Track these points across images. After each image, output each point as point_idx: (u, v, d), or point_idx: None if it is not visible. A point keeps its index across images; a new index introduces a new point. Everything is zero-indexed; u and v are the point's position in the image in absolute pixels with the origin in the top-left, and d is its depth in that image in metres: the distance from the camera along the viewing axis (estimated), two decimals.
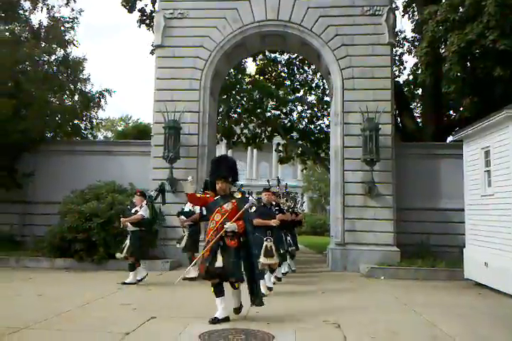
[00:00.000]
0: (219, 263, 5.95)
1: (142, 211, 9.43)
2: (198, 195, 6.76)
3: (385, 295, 8.67)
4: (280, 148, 24.29)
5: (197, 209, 10.18)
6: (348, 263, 12.11)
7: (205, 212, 10.15)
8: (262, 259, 8.07)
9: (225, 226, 6.03)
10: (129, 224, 9.36)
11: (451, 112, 18.92)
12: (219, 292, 6.12)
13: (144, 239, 9.65)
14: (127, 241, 9.36)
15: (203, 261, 6.14)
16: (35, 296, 7.82)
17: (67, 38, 16.60)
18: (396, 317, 6.68)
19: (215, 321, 5.94)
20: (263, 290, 8.23)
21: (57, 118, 15.75)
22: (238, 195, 6.44)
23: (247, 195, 10.92)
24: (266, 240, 8.24)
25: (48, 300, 7.49)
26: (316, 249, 19.36)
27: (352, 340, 5.39)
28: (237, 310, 6.33)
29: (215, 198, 6.34)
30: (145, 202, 9.58)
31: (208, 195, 6.50)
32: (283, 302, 7.70)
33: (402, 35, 20.00)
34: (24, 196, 13.92)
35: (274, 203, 9.42)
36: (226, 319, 6.07)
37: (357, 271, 11.76)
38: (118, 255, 9.38)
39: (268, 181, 11.86)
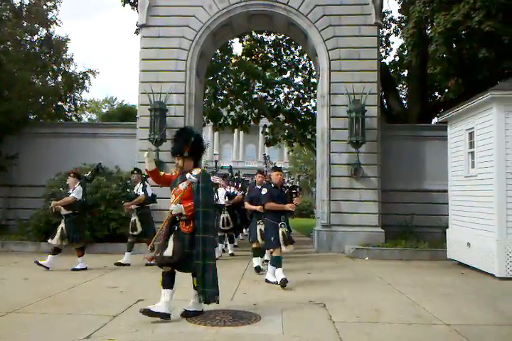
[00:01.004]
0: (168, 251, 5.24)
1: (74, 193, 8.87)
2: (162, 173, 5.87)
3: (369, 276, 8.80)
4: (267, 130, 24.25)
5: (140, 191, 9.74)
6: (333, 245, 12.24)
7: (150, 193, 9.77)
8: (283, 248, 7.47)
9: (170, 208, 5.43)
10: (61, 207, 8.82)
11: (437, 94, 19.00)
12: (167, 283, 5.36)
13: (79, 222, 9.06)
14: (61, 226, 8.84)
15: (157, 249, 5.46)
16: (21, 280, 7.81)
17: (49, 17, 16.28)
18: (380, 297, 6.80)
19: (145, 312, 5.20)
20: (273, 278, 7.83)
21: (40, 100, 15.52)
22: (196, 173, 5.52)
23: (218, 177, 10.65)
24: (280, 226, 7.53)
25: (35, 284, 7.49)
26: (303, 231, 19.51)
27: (337, 319, 5.48)
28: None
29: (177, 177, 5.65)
30: (78, 183, 9.05)
31: (173, 173, 5.86)
32: (270, 284, 7.77)
33: (389, 16, 19.87)
34: (8, 179, 13.77)
35: (289, 185, 8.95)
36: (165, 315, 5.24)
37: (342, 252, 11.90)
38: (49, 241, 8.94)
39: (266, 157, 11.53)
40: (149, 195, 9.83)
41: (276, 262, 7.54)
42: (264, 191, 7.77)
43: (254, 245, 9.01)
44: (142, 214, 9.77)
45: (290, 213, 8.03)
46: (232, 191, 12.19)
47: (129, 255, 9.61)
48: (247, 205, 9.04)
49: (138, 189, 9.84)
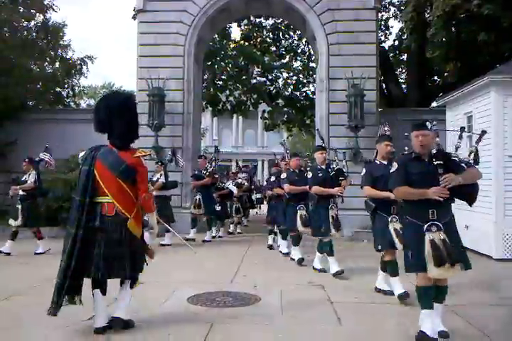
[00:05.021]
0: None
1: None
2: None
3: (367, 258, 8.85)
4: (266, 115, 24.23)
5: (31, 176, 8.95)
6: None
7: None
8: (434, 271, 4.57)
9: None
10: None
11: (436, 78, 18.96)
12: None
13: None
14: None
15: None
16: (24, 264, 7.90)
17: (45, 2, 16.15)
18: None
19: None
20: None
21: (38, 86, 15.51)
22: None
23: None
24: (429, 229, 4.45)
25: (36, 268, 7.57)
26: None
27: (336, 300, 5.56)
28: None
29: None
30: None
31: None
32: (270, 266, 7.87)
33: (388, 0, 19.74)
34: (7, 165, 13.79)
35: (334, 166, 7.82)
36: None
37: (341, 235, 11.93)
38: None
39: (283, 144, 11.04)
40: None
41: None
42: (394, 167, 4.83)
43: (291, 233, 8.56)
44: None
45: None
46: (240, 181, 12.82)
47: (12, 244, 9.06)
48: (317, 189, 7.58)
49: (30, 173, 9.20)
